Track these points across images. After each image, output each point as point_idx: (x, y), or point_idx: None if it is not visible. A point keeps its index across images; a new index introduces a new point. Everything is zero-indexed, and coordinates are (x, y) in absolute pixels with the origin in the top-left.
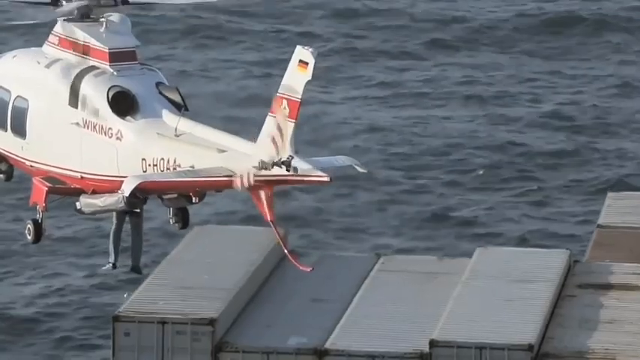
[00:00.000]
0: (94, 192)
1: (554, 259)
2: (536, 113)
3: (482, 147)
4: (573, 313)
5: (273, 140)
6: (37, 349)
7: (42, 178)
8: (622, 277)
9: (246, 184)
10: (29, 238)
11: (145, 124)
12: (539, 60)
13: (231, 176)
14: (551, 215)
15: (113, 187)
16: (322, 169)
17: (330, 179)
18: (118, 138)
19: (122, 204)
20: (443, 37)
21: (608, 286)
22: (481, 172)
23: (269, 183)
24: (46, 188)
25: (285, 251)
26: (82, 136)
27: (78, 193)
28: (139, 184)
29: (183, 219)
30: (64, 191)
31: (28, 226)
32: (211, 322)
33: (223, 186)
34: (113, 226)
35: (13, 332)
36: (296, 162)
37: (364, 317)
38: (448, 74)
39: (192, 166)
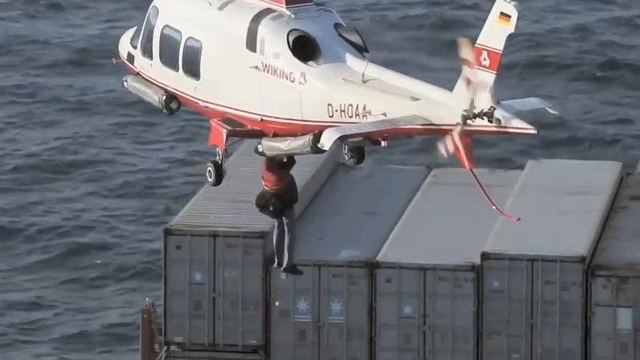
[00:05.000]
0: (275, 135)
1: (606, 171)
2: None
3: None
4: (625, 224)
5: (474, 91)
6: None
7: (219, 120)
8: None
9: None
10: (210, 180)
11: (329, 69)
12: None
13: (427, 125)
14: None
15: (295, 130)
16: (517, 113)
17: (537, 132)
18: (301, 83)
19: (308, 149)
20: None
21: None
22: None
23: (470, 133)
24: (226, 130)
25: (488, 199)
26: (262, 79)
27: (257, 135)
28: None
29: (359, 154)
30: (243, 134)
31: (209, 168)
32: (262, 235)
33: (420, 134)
34: (276, 230)
35: None
36: (498, 113)
37: (416, 230)
38: None
39: (384, 114)
